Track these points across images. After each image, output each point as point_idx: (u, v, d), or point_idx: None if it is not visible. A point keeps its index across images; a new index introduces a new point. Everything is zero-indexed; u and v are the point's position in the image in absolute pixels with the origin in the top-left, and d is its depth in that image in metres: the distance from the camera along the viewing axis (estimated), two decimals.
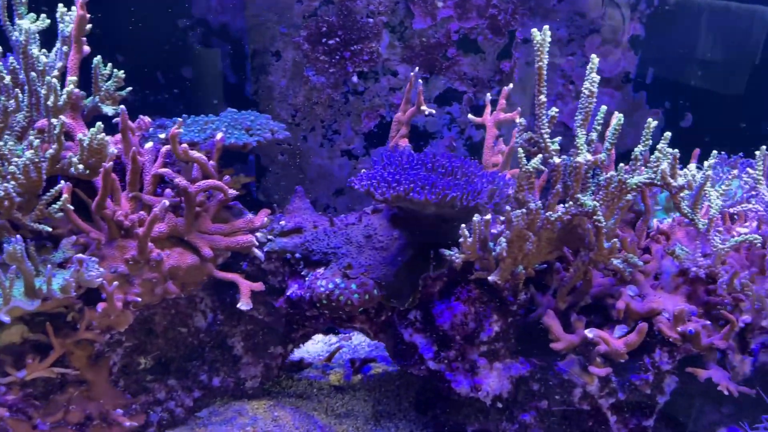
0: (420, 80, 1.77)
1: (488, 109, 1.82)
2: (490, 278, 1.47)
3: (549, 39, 1.43)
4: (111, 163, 1.45)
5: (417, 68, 1.92)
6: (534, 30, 1.41)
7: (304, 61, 2.11)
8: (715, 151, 1.53)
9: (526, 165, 1.41)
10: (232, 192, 1.59)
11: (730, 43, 2.43)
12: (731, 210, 1.65)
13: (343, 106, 2.17)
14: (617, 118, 1.47)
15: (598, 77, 1.50)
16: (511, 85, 1.76)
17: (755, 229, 1.60)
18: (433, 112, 1.79)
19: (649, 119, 1.47)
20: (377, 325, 1.68)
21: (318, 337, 2.30)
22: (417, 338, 1.62)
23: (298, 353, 2.12)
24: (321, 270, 1.62)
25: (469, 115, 1.84)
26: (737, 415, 1.58)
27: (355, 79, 2.13)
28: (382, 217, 1.73)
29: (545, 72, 1.44)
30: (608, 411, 1.55)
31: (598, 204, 1.43)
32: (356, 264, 1.61)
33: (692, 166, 1.63)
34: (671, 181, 1.40)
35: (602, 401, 1.54)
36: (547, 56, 1.43)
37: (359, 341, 2.27)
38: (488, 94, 1.83)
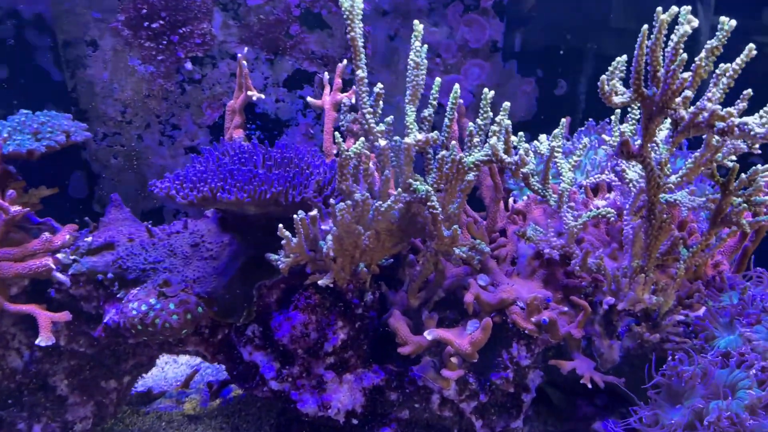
0: (245, 62, 1.55)
1: (327, 89, 1.62)
2: (320, 282, 1.28)
3: (360, 5, 1.24)
4: None
5: (246, 49, 1.70)
6: None
7: (127, 49, 1.85)
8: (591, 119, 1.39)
9: (346, 151, 1.23)
10: (15, 209, 1.34)
11: (597, 3, 2.33)
12: (591, 181, 1.53)
13: (179, 97, 1.93)
14: (485, 92, 1.32)
15: (425, 46, 1.34)
16: (345, 62, 1.57)
17: (613, 201, 1.48)
18: (262, 96, 1.58)
19: (506, 103, 1.32)
20: (214, 346, 1.47)
21: (183, 359, 2.07)
22: (257, 356, 1.42)
23: (152, 380, 1.89)
24: (135, 290, 1.39)
25: (308, 98, 1.64)
26: (612, 406, 1.46)
27: (189, 65, 1.89)
28: (211, 222, 1.51)
29: (360, 43, 1.25)
30: (472, 416, 1.40)
31: (431, 188, 1.26)
32: (177, 279, 1.39)
33: (542, 137, 1.49)
34: (504, 157, 1.25)
35: (464, 405, 1.39)
36: (359, 24, 1.24)
37: None
38: (326, 73, 1.63)
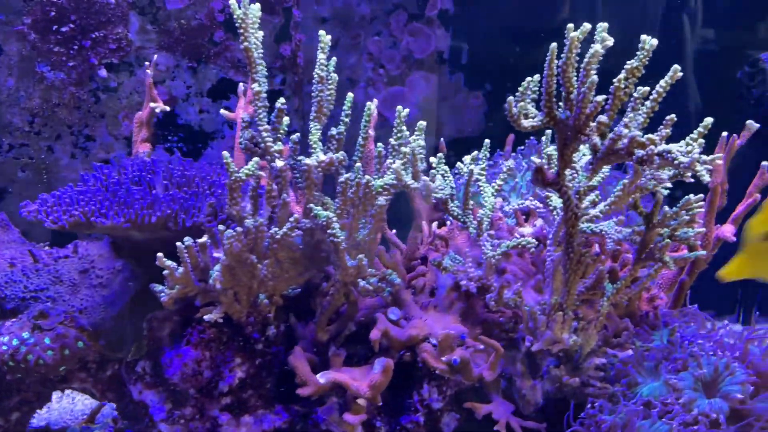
0: (149, 71, 1.43)
1: (241, 101, 1.51)
2: (207, 317, 1.16)
3: (257, 13, 1.13)
4: None
5: (156, 56, 1.58)
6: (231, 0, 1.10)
7: (34, 55, 1.72)
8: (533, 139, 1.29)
9: (236, 173, 1.11)
10: None
11: (549, 12, 2.24)
12: (516, 208, 1.42)
13: (93, 106, 1.80)
14: (398, 110, 1.21)
15: (334, 59, 1.23)
16: None
17: (539, 229, 1.38)
18: (167, 108, 1.46)
19: (420, 122, 1.22)
20: (102, 382, 1.34)
21: None
22: (147, 395, 1.29)
23: (58, 413, 1.74)
24: (9, 323, 1.26)
25: (222, 110, 1.52)
26: None
27: (103, 73, 1.76)
28: (104, 246, 1.38)
29: (255, 54, 1.14)
30: None
31: (332, 214, 1.15)
32: (57, 310, 1.26)
33: (466, 158, 1.39)
34: (408, 181, 1.14)
35: None
36: (254, 33, 1.13)
37: None
38: (240, 84, 1.51)
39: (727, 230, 1.36)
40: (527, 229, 1.38)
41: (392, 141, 1.24)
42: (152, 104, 1.43)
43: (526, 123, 1.05)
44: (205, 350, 1.25)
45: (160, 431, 1.27)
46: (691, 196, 1.22)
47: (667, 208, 1.18)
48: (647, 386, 1.14)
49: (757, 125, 1.35)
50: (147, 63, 1.49)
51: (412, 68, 2.20)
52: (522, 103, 1.04)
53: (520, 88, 1.07)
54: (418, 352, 1.23)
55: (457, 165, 1.39)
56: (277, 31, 1.85)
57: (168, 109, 1.46)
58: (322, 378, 1.10)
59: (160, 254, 1.10)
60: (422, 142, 1.24)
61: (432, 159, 1.35)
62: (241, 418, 1.28)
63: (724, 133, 1.34)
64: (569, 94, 1.04)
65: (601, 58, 1.01)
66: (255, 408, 1.29)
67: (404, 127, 1.26)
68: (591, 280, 1.23)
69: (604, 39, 1.00)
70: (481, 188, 1.36)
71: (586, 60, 0.99)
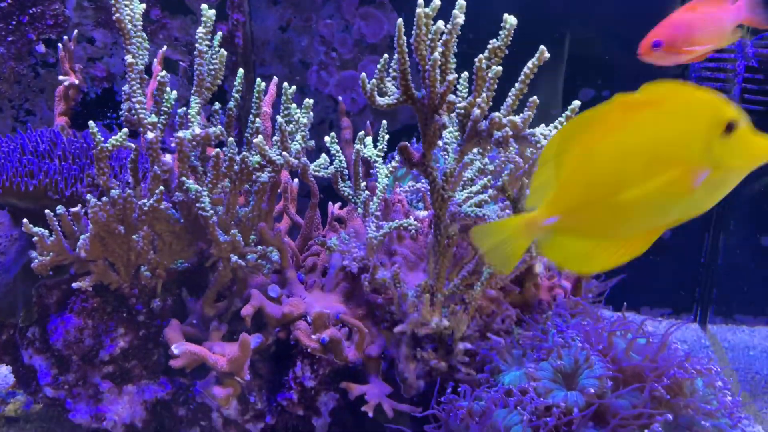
0: (71, 45, 1.46)
1: (153, 83, 1.52)
2: (75, 285, 1.18)
3: None
4: None
5: (75, 31, 1.60)
6: None
7: None
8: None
9: (102, 143, 1.13)
10: None
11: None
12: (407, 190, 1.41)
13: (33, 81, 1.84)
14: (285, 87, 1.22)
15: (219, 33, 1.23)
16: (164, 48, 1.47)
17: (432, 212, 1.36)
18: (75, 81, 1.48)
19: (307, 100, 1.21)
20: None
21: None
22: (36, 360, 1.32)
23: None
24: None
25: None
26: None
27: (41, 48, 1.80)
28: (3, 215, 1.41)
29: (128, 26, 1.15)
30: None
31: (201, 188, 1.15)
32: None
33: (368, 139, 1.38)
34: (273, 157, 1.13)
35: (249, 427, 1.28)
36: (127, 5, 1.14)
37: None
38: (155, 59, 1.52)
39: None
40: (423, 213, 1.37)
41: (279, 118, 1.24)
42: (61, 77, 1.45)
43: (381, 101, 1.04)
44: (87, 318, 1.27)
45: (45, 395, 1.30)
46: None
47: None
48: (510, 374, 1.12)
49: None
50: (65, 38, 1.51)
51: (364, 52, 2.18)
52: (374, 81, 1.03)
53: (378, 66, 1.06)
54: (292, 329, 1.23)
55: (355, 145, 1.38)
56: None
57: (77, 81, 1.48)
58: (176, 349, 1.11)
59: (25, 220, 1.12)
60: (306, 120, 1.23)
61: (326, 138, 1.35)
62: (124, 387, 1.30)
63: None
64: (425, 72, 1.02)
65: (451, 36, 0.99)
66: (139, 378, 1.31)
67: (292, 105, 1.26)
68: (473, 265, 1.22)
69: (455, 17, 0.98)
70: (378, 170, 1.35)
71: (429, 38, 0.97)
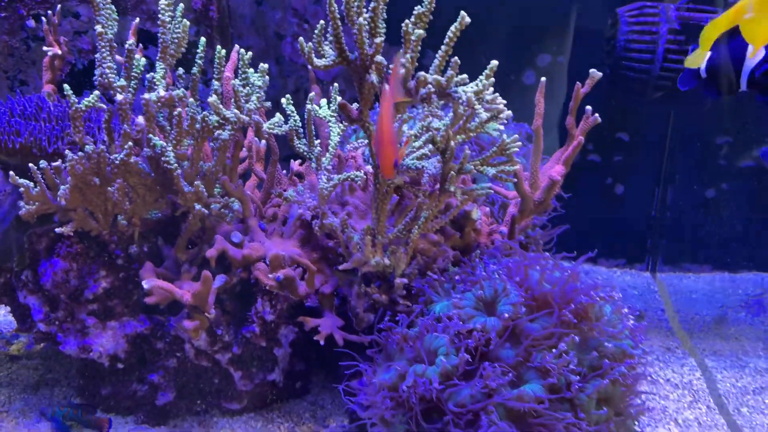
0: (55, 19, 1.60)
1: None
2: (57, 230, 1.34)
3: None
4: None
5: (59, 6, 1.74)
6: None
7: None
8: None
9: (76, 104, 1.27)
10: None
11: None
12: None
13: (25, 53, 1.98)
14: (241, 52, 1.35)
15: (181, 5, 1.36)
16: (137, 20, 1.60)
17: None
18: (58, 51, 1.62)
19: (263, 65, 1.34)
20: None
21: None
22: (30, 300, 1.49)
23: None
24: None
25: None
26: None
27: (31, 23, 1.94)
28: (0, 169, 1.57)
29: None
30: (229, 366, 1.46)
31: (166, 144, 1.30)
32: None
33: (323, 101, 1.52)
34: (227, 114, 1.27)
35: (219, 356, 1.45)
36: None
37: None
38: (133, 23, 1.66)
39: (556, 171, 1.45)
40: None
41: (235, 81, 1.37)
42: (45, 48, 1.59)
43: (319, 62, 1.18)
44: (72, 262, 1.43)
45: (39, 330, 1.47)
46: (505, 136, 1.32)
47: (467, 148, 1.29)
48: (440, 304, 1.28)
49: (600, 74, 1.43)
50: (49, 12, 1.65)
51: None
52: (310, 44, 1.16)
53: (315, 31, 1.19)
54: (253, 270, 1.39)
55: (307, 105, 1.51)
56: None
57: (60, 52, 1.62)
58: (146, 284, 1.26)
59: (11, 173, 1.27)
60: (261, 83, 1.37)
61: (282, 99, 1.48)
62: (107, 323, 1.46)
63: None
64: (355, 35, 1.15)
65: (378, 3, 1.12)
66: (120, 315, 1.47)
67: (249, 69, 1.39)
68: (413, 213, 1.36)
69: None
70: (331, 128, 1.48)
71: (354, 4, 1.10)
